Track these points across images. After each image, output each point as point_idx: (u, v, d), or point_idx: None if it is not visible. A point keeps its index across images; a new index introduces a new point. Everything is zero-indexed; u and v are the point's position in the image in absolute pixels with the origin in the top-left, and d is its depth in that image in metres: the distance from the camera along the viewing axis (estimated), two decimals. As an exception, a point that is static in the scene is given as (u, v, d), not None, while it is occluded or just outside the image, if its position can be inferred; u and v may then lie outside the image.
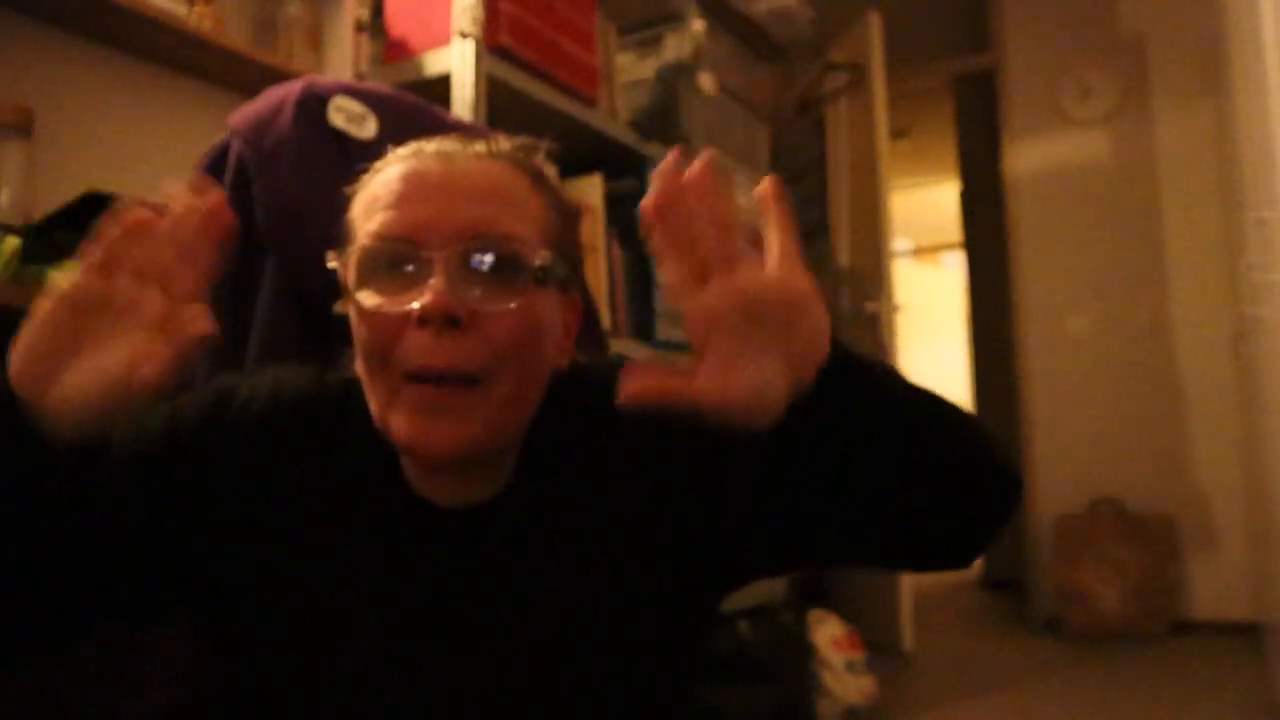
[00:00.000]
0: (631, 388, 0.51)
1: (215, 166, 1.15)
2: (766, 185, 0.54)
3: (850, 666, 2.37)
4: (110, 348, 0.53)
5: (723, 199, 0.52)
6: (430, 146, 0.68)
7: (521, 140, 0.71)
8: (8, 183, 1.32)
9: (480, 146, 0.68)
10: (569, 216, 0.73)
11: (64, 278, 0.54)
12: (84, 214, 1.28)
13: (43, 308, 0.54)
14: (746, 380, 0.52)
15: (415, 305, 0.61)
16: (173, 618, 0.71)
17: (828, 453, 0.58)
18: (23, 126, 1.35)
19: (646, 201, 0.52)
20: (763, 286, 0.52)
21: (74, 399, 0.53)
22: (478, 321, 0.62)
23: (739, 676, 2.10)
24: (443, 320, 0.60)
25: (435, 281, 0.61)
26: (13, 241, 1.16)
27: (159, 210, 0.55)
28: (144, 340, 0.54)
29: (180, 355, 0.54)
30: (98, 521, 0.61)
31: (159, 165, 1.70)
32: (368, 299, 0.63)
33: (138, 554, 0.64)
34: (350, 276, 0.64)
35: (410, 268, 0.62)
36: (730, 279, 0.52)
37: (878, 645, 2.73)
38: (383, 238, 0.63)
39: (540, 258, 0.64)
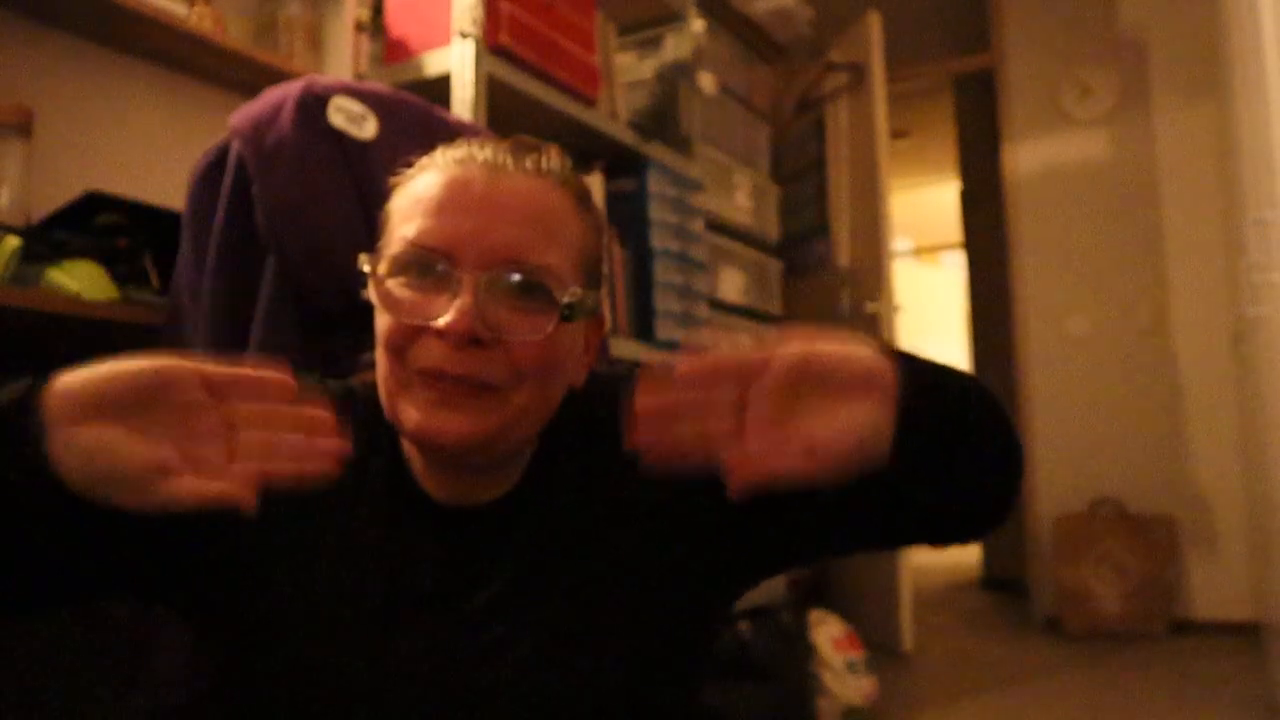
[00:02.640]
0: (745, 479, 0.52)
1: (215, 166, 1.15)
2: (684, 370, 0.53)
3: (850, 666, 2.37)
4: (138, 439, 0.51)
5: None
6: (481, 154, 0.66)
7: (559, 157, 0.70)
8: (8, 183, 1.32)
9: (530, 162, 0.67)
10: (602, 236, 0.73)
11: (180, 363, 0.52)
12: (84, 214, 1.28)
13: (135, 367, 0.51)
14: (839, 434, 0.53)
15: (439, 322, 0.61)
16: (165, 601, 0.71)
17: (902, 453, 0.59)
18: (23, 126, 1.35)
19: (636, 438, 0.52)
20: (770, 367, 0.52)
21: (79, 453, 0.51)
22: (500, 342, 0.62)
23: (739, 676, 2.10)
24: (463, 340, 0.61)
25: (462, 301, 0.61)
26: (13, 241, 1.16)
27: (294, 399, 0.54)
28: (176, 459, 0.51)
29: (203, 503, 0.51)
30: (84, 516, 0.60)
31: (159, 165, 1.70)
32: (394, 292, 0.63)
33: (127, 543, 0.63)
34: (380, 269, 0.64)
35: (441, 267, 0.62)
36: (751, 414, 0.52)
37: (878, 645, 2.73)
38: (418, 246, 0.63)
39: (571, 294, 0.64)
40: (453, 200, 0.64)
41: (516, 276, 0.63)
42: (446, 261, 0.62)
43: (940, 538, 0.72)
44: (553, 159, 0.69)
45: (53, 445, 0.51)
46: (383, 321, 0.64)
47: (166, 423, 0.52)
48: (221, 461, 0.52)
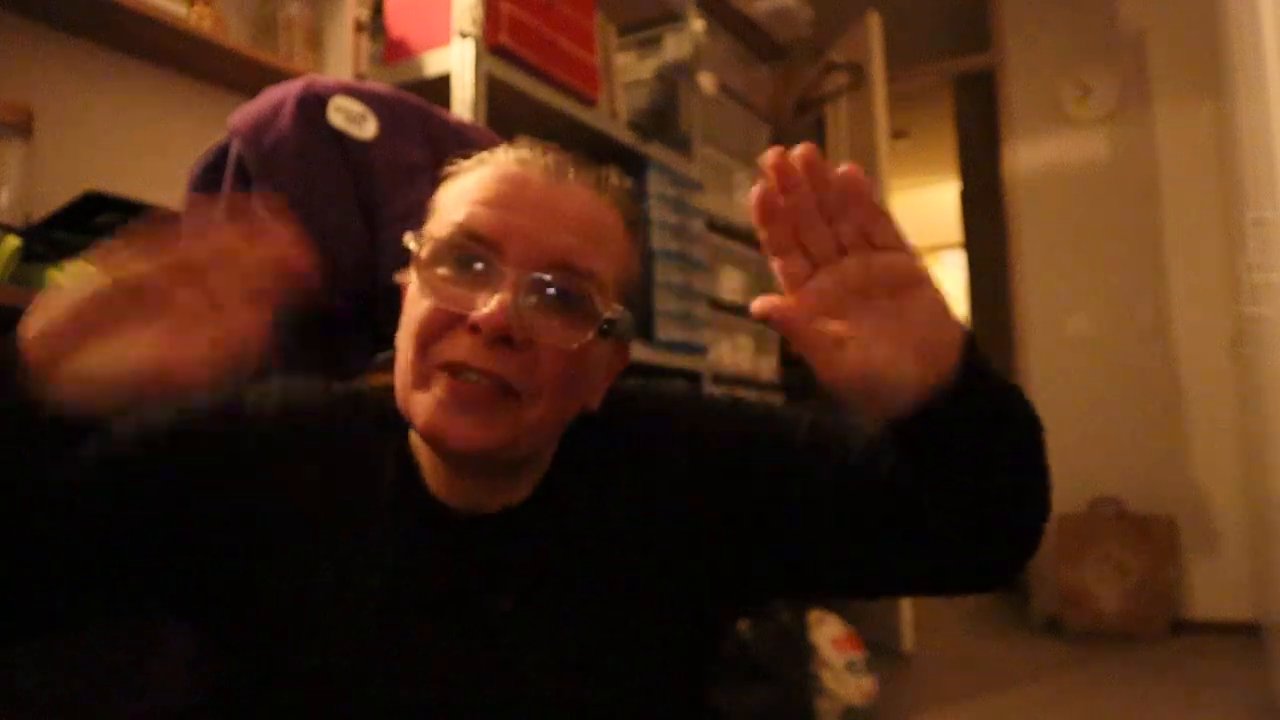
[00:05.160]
0: (769, 306, 0.54)
1: (215, 167, 1.15)
2: (851, 169, 0.54)
3: (850, 666, 2.37)
4: (138, 338, 0.52)
5: (828, 186, 0.53)
6: (543, 159, 0.66)
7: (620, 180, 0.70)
8: (8, 183, 1.32)
9: (591, 175, 0.67)
10: (638, 265, 0.72)
11: (122, 261, 0.52)
12: (84, 214, 1.28)
13: (92, 285, 0.52)
14: (867, 356, 0.54)
15: (474, 314, 0.60)
16: (161, 613, 0.71)
17: (943, 457, 0.59)
18: (23, 126, 1.35)
19: (757, 193, 0.53)
20: (868, 267, 0.54)
21: (94, 381, 0.51)
22: (531, 346, 0.61)
23: (739, 676, 2.10)
24: (495, 337, 0.60)
25: (502, 297, 0.60)
26: (13, 241, 1.16)
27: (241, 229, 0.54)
28: (177, 339, 0.52)
29: (218, 364, 0.52)
30: (88, 512, 0.60)
31: (159, 165, 1.70)
32: (433, 280, 0.62)
33: (123, 550, 0.63)
34: (422, 254, 0.63)
35: (481, 266, 0.62)
36: (839, 264, 0.54)
37: (878, 645, 2.73)
38: (468, 232, 0.62)
39: (612, 310, 0.63)
40: (509, 195, 0.63)
41: (560, 283, 0.62)
42: (492, 253, 0.61)
43: (949, 577, 0.71)
44: (611, 178, 0.69)
45: (53, 385, 0.51)
46: (415, 311, 0.63)
47: (145, 310, 0.52)
48: (210, 317, 0.53)
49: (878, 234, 0.54)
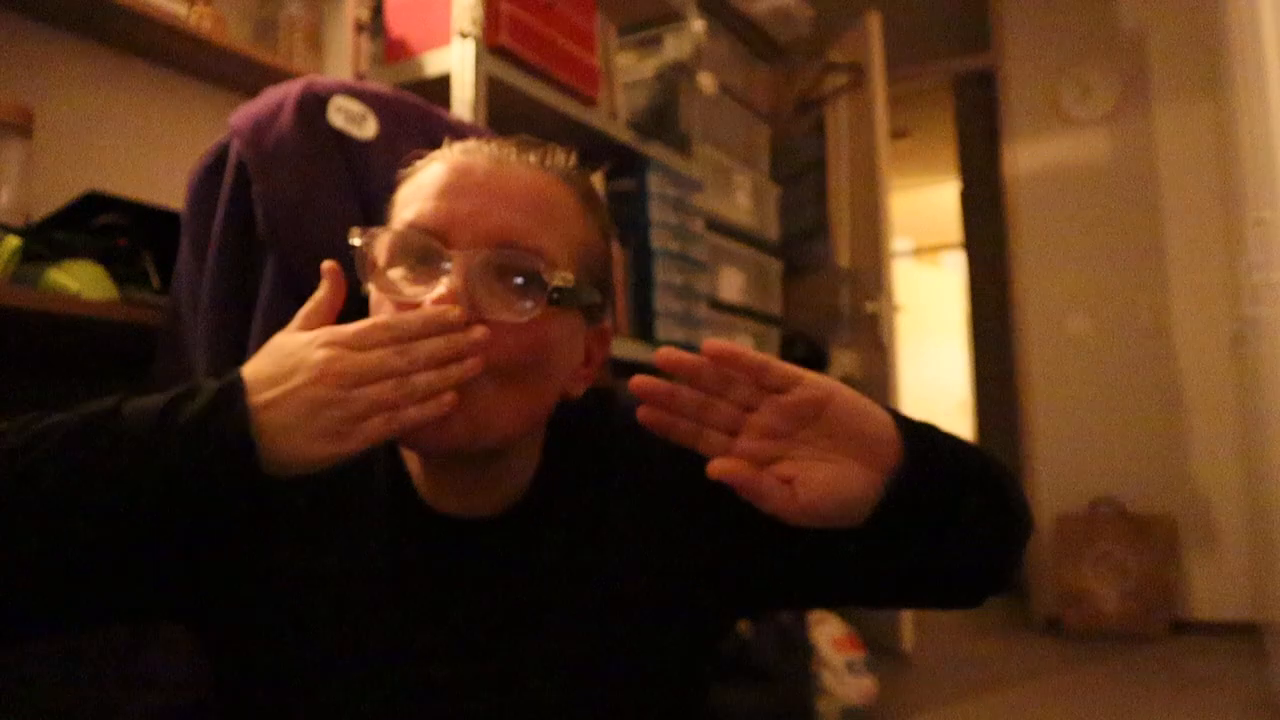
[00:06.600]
0: (720, 469, 0.56)
1: (215, 167, 1.15)
2: (709, 346, 0.56)
3: (850, 666, 2.37)
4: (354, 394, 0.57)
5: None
6: (486, 147, 0.67)
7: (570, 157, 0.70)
8: (8, 183, 1.32)
9: (534, 156, 0.67)
10: (609, 241, 0.72)
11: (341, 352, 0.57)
12: (84, 214, 1.28)
13: (325, 380, 0.56)
14: (815, 484, 0.56)
15: (426, 299, 0.60)
16: (162, 619, 0.70)
17: (904, 530, 0.61)
18: (23, 126, 1.35)
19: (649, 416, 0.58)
20: (777, 412, 0.56)
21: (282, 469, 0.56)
22: (484, 325, 0.61)
23: (739, 676, 2.10)
24: None
25: (450, 280, 0.60)
26: (13, 241, 1.16)
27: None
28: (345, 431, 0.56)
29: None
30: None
31: (159, 165, 1.70)
32: (389, 282, 0.63)
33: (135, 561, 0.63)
34: (378, 258, 0.64)
35: (432, 256, 0.62)
36: (751, 422, 0.57)
37: (878, 645, 2.73)
38: (414, 227, 0.63)
39: (560, 278, 0.63)
40: (453, 185, 0.64)
41: (506, 260, 0.62)
42: (440, 242, 0.62)
43: (929, 604, 0.74)
44: (557, 156, 0.69)
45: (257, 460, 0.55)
46: (377, 312, 0.64)
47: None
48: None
49: (770, 380, 0.56)
